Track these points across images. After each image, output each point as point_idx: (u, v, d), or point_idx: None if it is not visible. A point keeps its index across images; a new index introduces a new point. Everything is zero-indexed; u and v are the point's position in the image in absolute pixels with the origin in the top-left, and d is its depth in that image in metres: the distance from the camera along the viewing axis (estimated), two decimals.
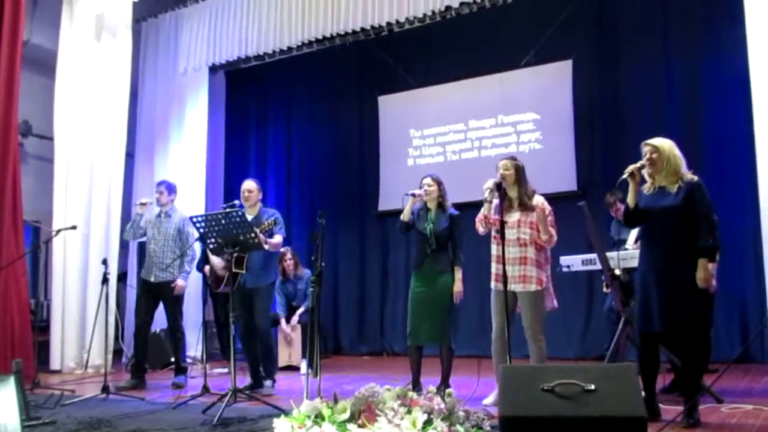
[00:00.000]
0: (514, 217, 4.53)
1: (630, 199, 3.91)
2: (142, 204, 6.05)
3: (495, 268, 4.59)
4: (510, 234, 4.46)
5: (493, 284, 4.62)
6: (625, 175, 3.88)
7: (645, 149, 3.95)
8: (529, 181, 4.65)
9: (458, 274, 5.01)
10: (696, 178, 3.88)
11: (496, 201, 4.46)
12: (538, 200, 4.60)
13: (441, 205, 5.14)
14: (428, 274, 5.04)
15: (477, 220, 4.60)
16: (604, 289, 5.82)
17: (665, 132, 6.76)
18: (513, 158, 4.69)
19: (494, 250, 4.62)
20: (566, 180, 7.35)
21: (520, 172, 4.59)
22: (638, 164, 3.90)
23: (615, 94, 7.34)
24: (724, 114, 6.57)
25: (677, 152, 3.92)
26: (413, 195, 5.10)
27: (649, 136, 4.11)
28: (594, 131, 7.40)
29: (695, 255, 3.74)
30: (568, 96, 7.49)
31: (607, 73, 7.38)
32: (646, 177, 3.97)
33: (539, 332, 4.49)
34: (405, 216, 5.14)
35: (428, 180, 5.16)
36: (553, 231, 4.52)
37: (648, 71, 7.14)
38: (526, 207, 4.53)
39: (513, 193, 4.59)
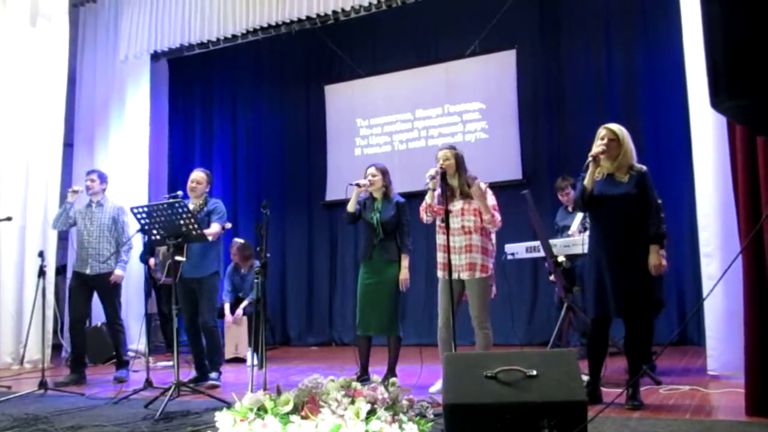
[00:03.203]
0: (457, 206, 4.54)
1: (588, 182, 3.87)
2: (74, 191, 5.85)
3: (441, 257, 4.54)
4: (454, 223, 4.49)
5: (440, 273, 4.58)
6: (590, 159, 3.84)
7: (603, 132, 3.92)
8: (468, 169, 4.66)
9: (405, 262, 5.01)
10: (644, 168, 3.94)
11: (438, 189, 4.47)
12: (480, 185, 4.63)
13: (386, 195, 5.13)
14: (377, 265, 5.04)
15: (421, 208, 4.55)
16: (550, 278, 5.89)
17: (605, 119, 6.98)
18: (452, 147, 4.68)
19: (440, 239, 4.58)
20: (511, 168, 7.44)
21: (459, 161, 4.60)
22: (600, 149, 3.86)
23: (558, 83, 7.45)
24: (661, 102, 6.75)
25: (631, 142, 3.94)
26: (357, 185, 5.04)
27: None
28: (538, 120, 7.50)
29: (646, 242, 3.83)
30: (512, 85, 7.57)
31: (550, 62, 7.49)
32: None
33: (486, 320, 4.51)
34: (351, 207, 5.08)
35: (372, 170, 5.12)
36: (494, 212, 4.52)
37: (589, 60, 7.29)
38: (467, 195, 4.55)
39: (454, 182, 4.59)
